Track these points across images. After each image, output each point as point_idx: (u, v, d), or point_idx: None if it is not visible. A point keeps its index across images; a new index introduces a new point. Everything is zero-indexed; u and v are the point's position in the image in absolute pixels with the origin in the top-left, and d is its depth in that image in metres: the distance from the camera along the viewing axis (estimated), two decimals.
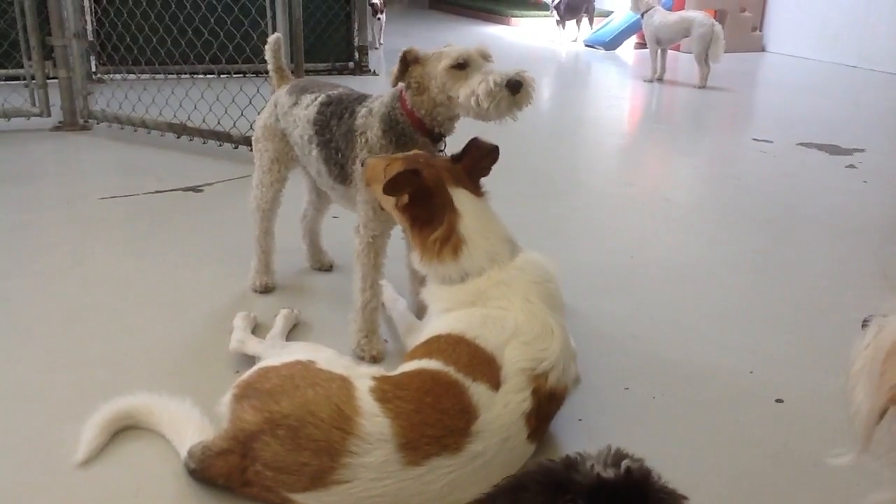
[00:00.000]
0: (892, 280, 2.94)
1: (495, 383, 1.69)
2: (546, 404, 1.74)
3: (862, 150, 4.87)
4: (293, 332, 2.39)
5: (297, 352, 1.90)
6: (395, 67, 2.10)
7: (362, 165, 2.09)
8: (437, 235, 1.93)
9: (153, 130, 4.56)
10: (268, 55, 2.53)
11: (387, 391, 1.63)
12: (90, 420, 1.81)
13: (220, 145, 4.35)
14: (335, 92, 2.33)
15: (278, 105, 2.44)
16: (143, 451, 1.81)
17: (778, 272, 2.98)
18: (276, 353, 1.98)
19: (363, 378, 1.68)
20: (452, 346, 1.77)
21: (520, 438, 1.67)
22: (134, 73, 5.53)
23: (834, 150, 4.89)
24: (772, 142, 5.06)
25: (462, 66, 2.03)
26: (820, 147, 4.95)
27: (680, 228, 3.43)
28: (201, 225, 3.28)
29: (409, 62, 2.10)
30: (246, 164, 4.10)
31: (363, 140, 2.17)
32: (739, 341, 2.42)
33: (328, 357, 1.81)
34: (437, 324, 1.90)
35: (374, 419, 1.56)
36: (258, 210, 2.58)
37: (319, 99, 2.30)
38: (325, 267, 2.88)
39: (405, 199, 1.94)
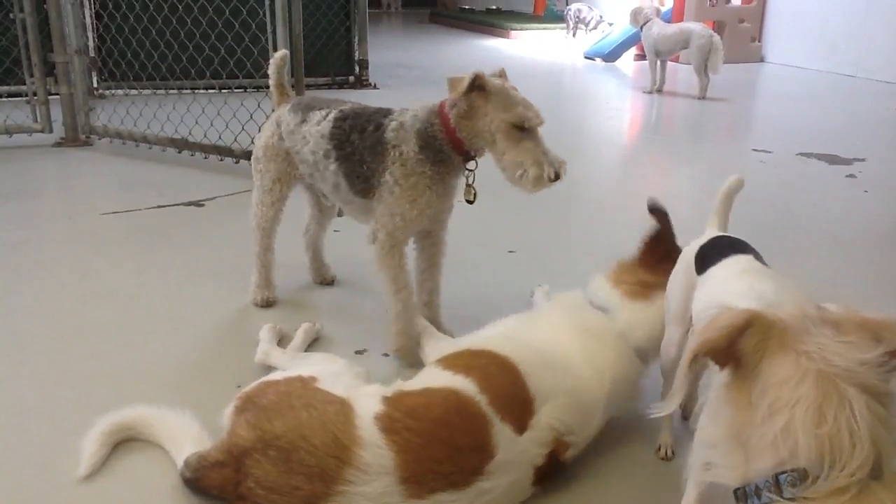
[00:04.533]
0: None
1: (521, 427, 1.64)
2: (553, 469, 1.71)
3: (862, 160, 4.88)
4: (314, 345, 2.39)
5: (312, 364, 1.90)
6: (461, 84, 2.02)
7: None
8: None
9: (154, 146, 4.57)
10: (271, 71, 2.51)
11: (395, 420, 1.57)
12: (90, 433, 1.81)
13: (222, 160, 4.36)
14: (346, 107, 2.32)
15: (281, 124, 2.41)
16: (143, 464, 1.81)
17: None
18: (294, 366, 1.99)
19: (370, 399, 1.63)
20: (499, 372, 1.72)
21: (525, 484, 1.65)
22: (135, 88, 5.55)
23: (834, 159, 4.90)
24: (771, 152, 5.07)
25: (521, 129, 2.04)
26: (820, 157, 4.95)
27: (681, 239, 3.42)
28: (203, 239, 3.29)
29: (474, 87, 2.04)
30: (247, 179, 4.08)
31: (396, 153, 2.15)
32: None
33: (334, 371, 1.80)
34: (506, 332, 1.90)
35: (374, 450, 1.52)
36: (258, 228, 2.58)
37: (332, 114, 2.28)
38: (328, 281, 2.86)
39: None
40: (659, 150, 5.37)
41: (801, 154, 5.01)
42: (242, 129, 4.32)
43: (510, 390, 1.68)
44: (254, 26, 4.74)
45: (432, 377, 1.76)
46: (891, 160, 4.98)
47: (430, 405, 1.62)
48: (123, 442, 1.87)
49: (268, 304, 2.64)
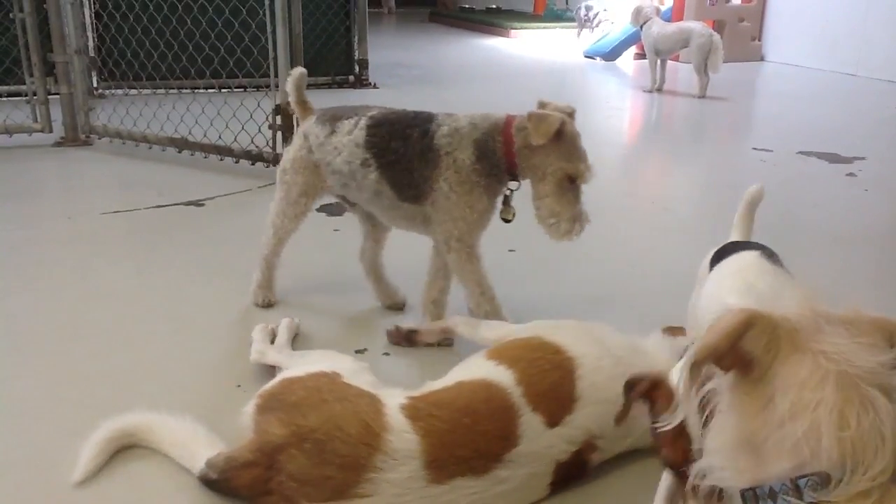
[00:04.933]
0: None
1: (555, 421, 1.65)
2: (575, 469, 1.71)
3: (862, 159, 4.88)
4: (294, 342, 2.39)
5: (319, 361, 1.90)
6: (549, 129, 2.07)
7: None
8: None
9: (154, 145, 4.57)
10: (290, 88, 2.45)
11: (420, 409, 1.61)
12: (90, 439, 1.80)
13: (222, 159, 4.36)
14: (376, 113, 2.30)
15: (309, 137, 2.38)
16: (145, 470, 1.81)
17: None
18: (296, 363, 1.99)
19: (395, 395, 1.67)
20: (550, 367, 1.72)
21: (543, 480, 1.66)
22: (135, 88, 5.55)
23: (834, 158, 4.90)
24: (772, 150, 5.06)
25: (572, 181, 2.12)
26: (820, 155, 4.95)
27: (680, 239, 3.43)
28: (203, 239, 3.29)
29: (552, 132, 2.09)
30: (247, 178, 4.12)
31: (450, 160, 2.15)
32: None
33: (351, 367, 1.81)
34: (574, 328, 1.89)
35: (402, 435, 1.55)
36: (274, 236, 2.55)
37: (363, 122, 2.26)
38: (399, 305, 2.65)
39: None
40: (659, 149, 5.37)
41: (802, 153, 5.01)
42: (242, 128, 4.31)
43: (553, 387, 1.70)
44: (253, 26, 4.74)
45: (470, 370, 1.78)
46: (890, 159, 4.98)
47: (457, 397, 1.66)
48: (123, 448, 1.86)
49: (268, 304, 2.64)
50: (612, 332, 1.95)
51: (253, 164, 4.26)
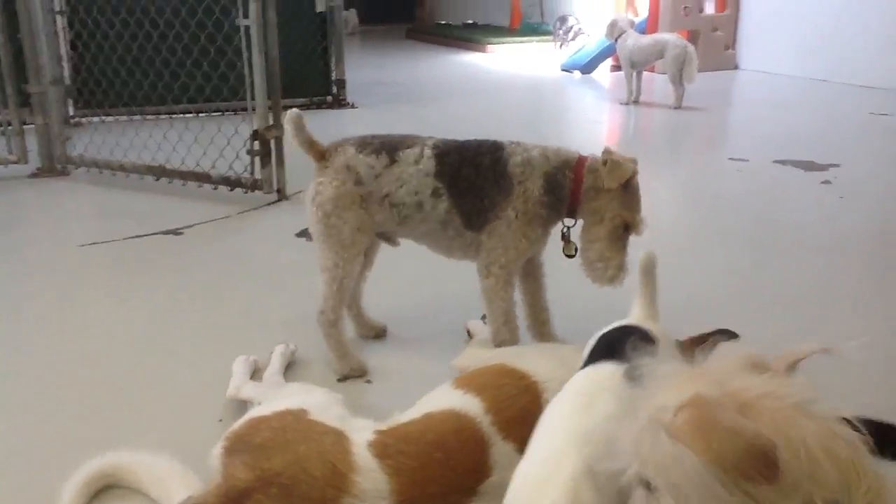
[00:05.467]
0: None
1: (525, 447, 1.62)
2: None
3: (837, 166, 4.93)
4: (290, 369, 2.38)
5: (291, 395, 1.89)
6: (624, 174, 2.16)
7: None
8: None
9: (132, 174, 4.55)
10: (291, 132, 2.30)
11: (389, 445, 1.58)
12: (69, 481, 1.79)
13: (200, 186, 4.35)
14: (437, 141, 2.29)
15: (358, 169, 2.25)
16: None
17: (757, 292, 3.00)
18: (269, 398, 1.97)
19: (363, 430, 1.64)
20: (517, 392, 1.72)
21: None
22: (112, 115, 5.53)
23: (809, 166, 4.95)
24: (748, 160, 5.11)
25: (626, 230, 2.19)
26: (795, 164, 5.00)
27: (659, 252, 3.44)
28: (183, 269, 3.27)
29: (625, 180, 2.17)
30: (225, 205, 4.11)
31: (521, 189, 2.17)
32: None
33: (320, 402, 1.78)
34: (546, 353, 1.91)
35: (370, 475, 1.52)
36: (338, 291, 2.29)
37: (429, 152, 2.24)
38: (381, 334, 2.64)
39: None
40: (637, 158, 5.40)
41: (777, 161, 5.06)
42: (220, 154, 4.31)
43: (522, 413, 1.68)
44: (229, 52, 4.74)
45: (438, 400, 1.76)
46: (863, 165, 5.03)
47: (426, 430, 1.63)
48: (103, 489, 1.84)
49: (362, 372, 2.39)
50: (574, 352, 1.95)
51: (231, 189, 4.25)
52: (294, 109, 2.33)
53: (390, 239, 2.49)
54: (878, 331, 2.68)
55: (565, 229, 2.34)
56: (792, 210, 4.08)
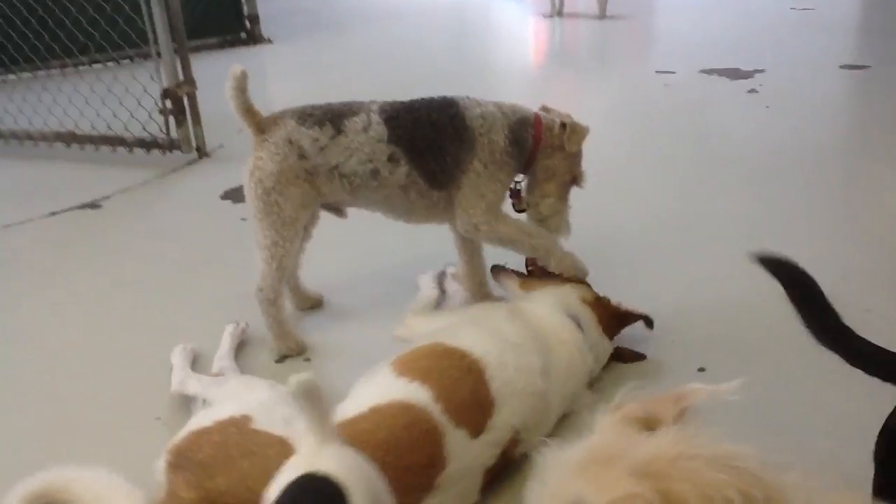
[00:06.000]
0: None
1: (478, 430, 1.62)
2: (501, 467, 1.69)
3: (762, 71, 4.94)
4: (241, 347, 2.31)
5: (233, 394, 1.82)
6: (584, 138, 2.23)
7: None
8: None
9: (40, 142, 4.30)
10: (231, 94, 2.14)
11: None
12: None
13: (114, 151, 4.13)
14: (383, 104, 2.20)
15: (301, 142, 2.14)
16: None
17: (687, 222, 3.00)
18: (213, 395, 1.91)
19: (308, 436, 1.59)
20: (461, 375, 1.69)
21: (475, 489, 1.63)
22: (14, 73, 5.18)
23: (735, 74, 4.94)
24: (675, 72, 5.08)
25: (572, 184, 2.28)
26: (721, 72, 4.99)
27: (592, 176, 3.42)
28: (105, 249, 3.09)
29: (564, 127, 2.21)
30: (142, 169, 3.93)
31: (485, 140, 2.16)
32: (668, 297, 2.43)
33: (264, 402, 1.72)
34: (487, 324, 1.88)
35: None
36: (277, 270, 2.21)
37: (377, 117, 2.15)
38: (317, 304, 2.57)
39: None
40: (563, 79, 5.32)
41: (704, 71, 5.04)
42: (132, 116, 4.09)
43: (470, 394, 1.66)
44: None
45: (381, 389, 1.69)
46: (787, 68, 5.05)
47: (375, 429, 1.57)
48: None
49: (300, 350, 2.32)
50: (500, 312, 1.96)
51: (148, 152, 4.05)
52: (238, 66, 2.14)
53: (338, 210, 2.40)
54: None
55: (516, 184, 2.32)
56: (721, 127, 4.08)
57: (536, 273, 2.31)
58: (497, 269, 2.34)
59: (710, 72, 5.03)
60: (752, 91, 4.57)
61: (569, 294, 2.10)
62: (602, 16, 6.92)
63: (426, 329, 2.07)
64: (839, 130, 4.08)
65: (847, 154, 3.65)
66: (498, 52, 6.27)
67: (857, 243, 2.74)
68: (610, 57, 6.00)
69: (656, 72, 5.15)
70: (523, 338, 1.84)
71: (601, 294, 2.16)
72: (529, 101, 2.35)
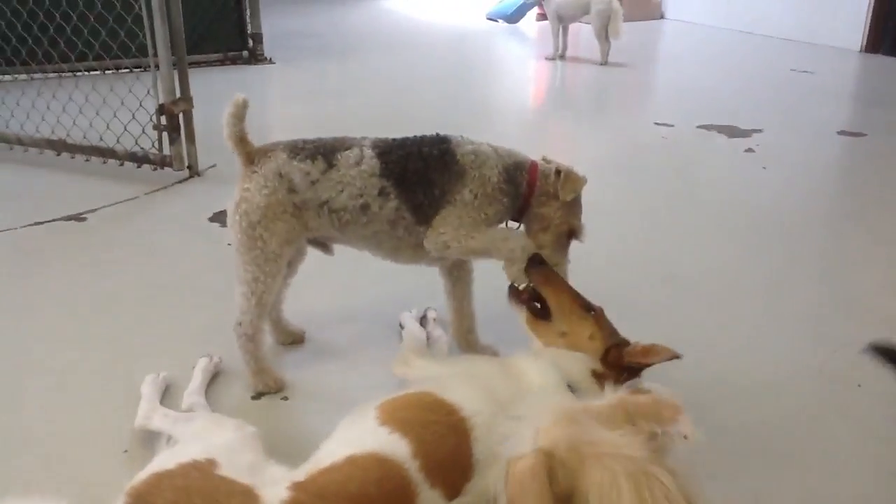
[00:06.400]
0: None
1: (453, 493, 1.56)
2: None
3: (760, 131, 4.95)
4: (214, 381, 2.24)
5: (200, 434, 1.76)
6: (580, 187, 2.16)
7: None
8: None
9: (31, 148, 4.23)
10: (227, 121, 2.09)
11: None
12: None
13: (104, 163, 4.08)
14: (375, 140, 2.16)
15: (291, 176, 2.09)
16: None
17: (671, 274, 2.98)
18: (181, 432, 1.84)
19: (276, 486, 1.50)
20: (445, 432, 1.61)
21: None
22: (9, 74, 5.11)
23: (733, 131, 4.95)
24: (673, 125, 5.09)
25: (570, 238, 2.20)
26: (720, 129, 5.00)
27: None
28: (86, 264, 3.02)
29: (578, 192, 2.17)
30: (131, 184, 3.87)
31: (476, 174, 2.10)
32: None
33: (231, 445, 1.66)
34: (474, 379, 1.79)
35: None
36: (257, 305, 2.15)
37: (369, 151, 2.11)
38: (299, 340, 2.52)
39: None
40: (562, 126, 5.33)
41: (702, 127, 5.05)
42: (125, 128, 4.04)
43: (450, 455, 1.60)
44: (137, 5, 4.33)
45: (361, 437, 1.64)
46: (784, 130, 5.06)
47: (348, 481, 1.52)
48: None
49: (279, 388, 2.26)
50: (497, 371, 1.87)
51: (139, 166, 4.00)
52: (241, 96, 2.10)
53: (324, 246, 2.35)
54: (782, 326, 2.69)
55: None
56: (717, 181, 4.08)
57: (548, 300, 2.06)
58: (513, 291, 2.11)
59: (708, 127, 5.04)
60: (749, 150, 4.58)
61: (578, 365, 1.88)
62: (604, 62, 6.95)
63: (425, 373, 2.00)
64: (834, 196, 4.09)
65: (839, 221, 3.65)
66: (498, 90, 6.28)
67: (844, 314, 2.72)
68: (609, 104, 6.02)
69: (654, 123, 5.15)
70: (512, 396, 1.76)
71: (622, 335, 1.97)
72: (525, 143, 2.34)
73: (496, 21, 9.43)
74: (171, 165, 3.93)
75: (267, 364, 2.26)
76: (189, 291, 2.81)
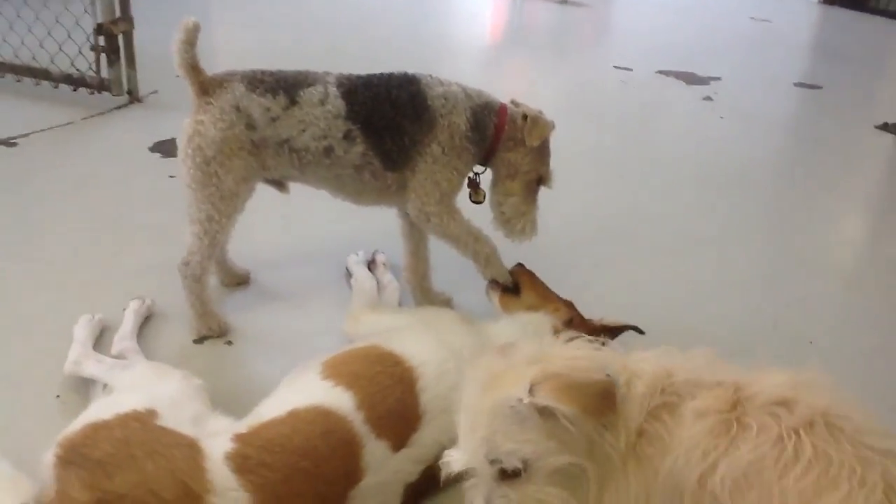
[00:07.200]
0: None
1: (400, 443, 1.52)
2: (425, 486, 1.58)
3: (718, 79, 4.91)
4: (147, 324, 2.13)
5: (139, 383, 1.66)
6: (547, 131, 2.09)
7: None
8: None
9: None
10: (178, 47, 1.91)
11: (249, 458, 1.40)
12: None
13: (38, 84, 3.83)
14: (341, 77, 2.02)
15: (253, 111, 1.95)
16: None
17: (626, 230, 2.94)
18: (118, 380, 1.74)
19: (219, 438, 1.44)
20: (390, 383, 1.58)
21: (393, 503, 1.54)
22: None
23: (691, 78, 4.90)
24: (632, 70, 5.01)
25: (538, 184, 2.13)
26: (678, 75, 4.95)
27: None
28: (15, 195, 2.84)
29: (525, 119, 2.06)
30: (67, 108, 3.65)
31: (446, 123, 2.01)
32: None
33: (173, 396, 1.57)
34: (428, 330, 1.75)
35: (229, 495, 1.35)
36: (209, 246, 2.05)
37: (335, 90, 1.97)
38: (243, 281, 2.41)
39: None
40: (520, 68, 5.20)
41: (661, 72, 4.99)
42: (60, 49, 3.79)
43: (395, 405, 1.56)
44: None
45: (306, 392, 1.58)
46: (743, 80, 5.04)
47: (292, 434, 1.47)
48: None
49: (222, 332, 2.15)
50: (458, 323, 1.84)
51: (75, 90, 3.77)
52: (192, 19, 1.92)
53: (280, 184, 2.22)
54: (737, 281, 2.68)
55: (475, 175, 2.19)
56: (676, 130, 4.03)
57: (522, 287, 2.12)
58: (492, 284, 2.15)
59: (666, 73, 4.98)
60: (707, 98, 4.54)
61: (540, 321, 1.92)
62: (563, 1, 6.81)
63: (375, 327, 1.95)
64: (791, 148, 4.09)
65: (795, 175, 3.65)
66: (456, 29, 6.10)
67: (796, 267, 2.72)
68: (568, 45, 5.91)
69: (613, 67, 5.07)
70: (470, 347, 1.72)
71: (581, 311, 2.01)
72: (482, 82, 2.24)
73: None
74: (109, 90, 3.71)
75: (212, 306, 2.16)
76: (127, 226, 2.67)
